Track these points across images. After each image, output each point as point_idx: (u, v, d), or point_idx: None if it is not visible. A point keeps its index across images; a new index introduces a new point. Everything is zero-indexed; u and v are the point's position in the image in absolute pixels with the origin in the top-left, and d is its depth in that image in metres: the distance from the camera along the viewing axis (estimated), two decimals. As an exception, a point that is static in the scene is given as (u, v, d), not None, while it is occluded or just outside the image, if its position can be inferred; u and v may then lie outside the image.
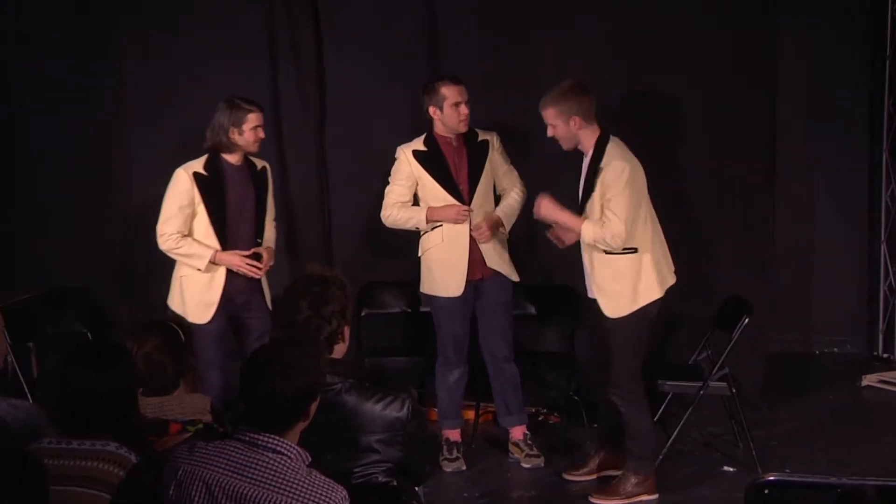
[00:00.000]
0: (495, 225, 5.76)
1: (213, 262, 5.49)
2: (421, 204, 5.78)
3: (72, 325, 6.35)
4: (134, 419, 3.23)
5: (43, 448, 3.06)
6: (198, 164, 5.52)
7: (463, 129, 5.72)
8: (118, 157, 6.86)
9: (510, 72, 6.60)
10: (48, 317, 6.35)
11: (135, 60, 6.79)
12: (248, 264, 5.51)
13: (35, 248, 6.88)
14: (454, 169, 5.75)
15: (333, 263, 6.55)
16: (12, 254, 6.84)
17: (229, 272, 5.53)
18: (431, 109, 5.71)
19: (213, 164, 5.52)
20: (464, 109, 5.66)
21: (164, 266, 6.70)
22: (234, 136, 5.47)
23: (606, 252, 5.14)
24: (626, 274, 5.15)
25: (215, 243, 5.50)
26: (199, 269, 5.49)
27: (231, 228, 5.53)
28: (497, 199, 5.86)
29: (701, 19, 6.47)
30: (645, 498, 5.34)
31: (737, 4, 6.43)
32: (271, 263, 5.67)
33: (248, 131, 5.47)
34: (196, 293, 5.54)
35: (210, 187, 5.49)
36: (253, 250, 5.55)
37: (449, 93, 5.65)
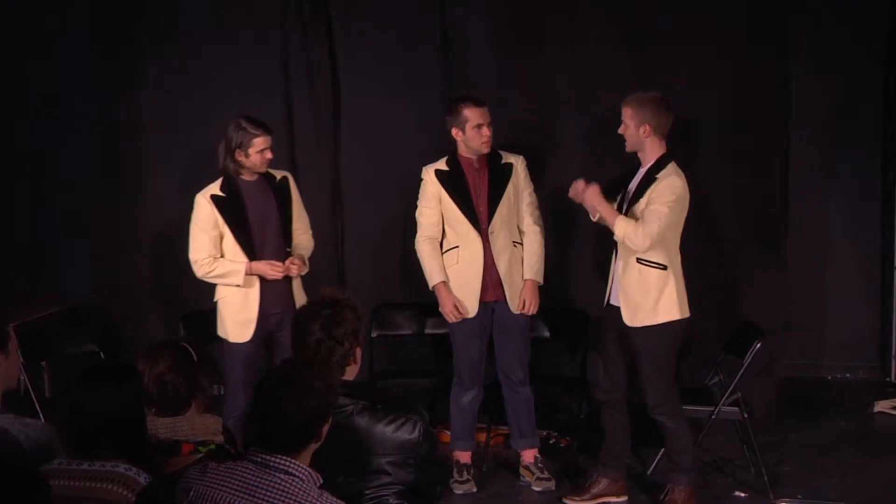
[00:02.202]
0: (537, 293, 5.78)
1: (249, 274, 5.52)
2: (446, 225, 5.77)
3: (85, 345, 6.34)
4: (143, 440, 3.22)
5: (52, 469, 3.05)
6: (214, 187, 5.56)
7: (485, 150, 5.72)
8: (132, 177, 6.88)
9: (524, 90, 6.58)
10: (61, 336, 6.38)
11: (150, 79, 6.82)
12: (271, 266, 5.52)
13: (49, 267, 6.91)
14: (474, 191, 5.74)
15: (346, 285, 6.56)
16: (27, 272, 6.86)
17: (262, 287, 5.55)
18: (454, 131, 5.71)
19: (229, 184, 5.54)
20: (486, 131, 5.66)
21: (178, 286, 6.72)
22: (241, 157, 5.49)
23: (638, 260, 5.21)
24: (652, 288, 5.23)
25: (245, 260, 5.53)
26: (238, 286, 5.52)
27: (258, 243, 5.56)
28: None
29: (715, 38, 6.40)
30: None
31: (752, 24, 6.38)
32: (306, 270, 5.68)
33: (255, 154, 5.48)
34: (233, 313, 5.58)
35: (230, 207, 5.52)
36: (287, 262, 5.55)
37: (471, 114, 5.65)
